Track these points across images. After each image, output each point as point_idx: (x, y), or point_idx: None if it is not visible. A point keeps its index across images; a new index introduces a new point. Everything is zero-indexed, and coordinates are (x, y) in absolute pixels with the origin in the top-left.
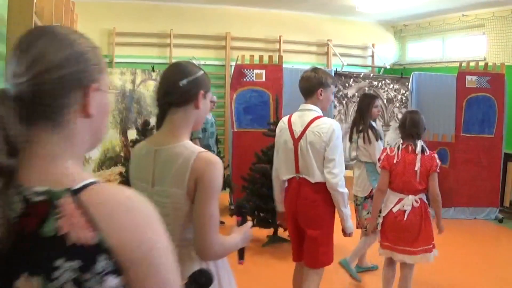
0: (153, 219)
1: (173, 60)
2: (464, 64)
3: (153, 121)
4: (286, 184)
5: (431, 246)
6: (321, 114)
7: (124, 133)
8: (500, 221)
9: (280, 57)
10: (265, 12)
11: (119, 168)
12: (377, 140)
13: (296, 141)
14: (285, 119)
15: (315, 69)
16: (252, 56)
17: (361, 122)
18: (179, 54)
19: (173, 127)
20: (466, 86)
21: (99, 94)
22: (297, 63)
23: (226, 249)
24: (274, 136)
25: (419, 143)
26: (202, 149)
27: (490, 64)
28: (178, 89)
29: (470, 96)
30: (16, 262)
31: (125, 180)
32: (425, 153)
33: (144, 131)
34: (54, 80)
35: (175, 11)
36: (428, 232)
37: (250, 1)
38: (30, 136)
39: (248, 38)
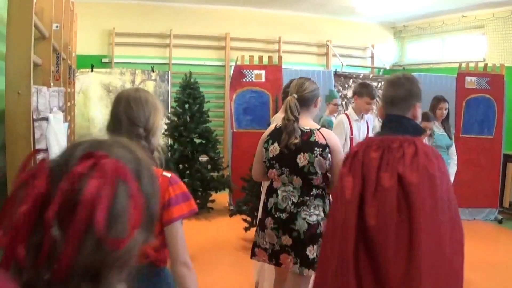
0: None
1: (173, 61)
2: (463, 65)
3: None
4: None
5: None
6: (347, 112)
7: None
8: (500, 222)
9: (280, 58)
10: (264, 12)
11: None
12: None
13: None
14: None
15: (362, 82)
16: (251, 57)
17: None
18: (179, 55)
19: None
20: (466, 87)
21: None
22: (297, 63)
23: None
24: None
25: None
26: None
27: (489, 65)
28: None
29: (470, 97)
30: (299, 149)
31: None
32: None
33: None
34: (308, 95)
35: (175, 12)
36: None
37: (249, 2)
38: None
39: (247, 39)
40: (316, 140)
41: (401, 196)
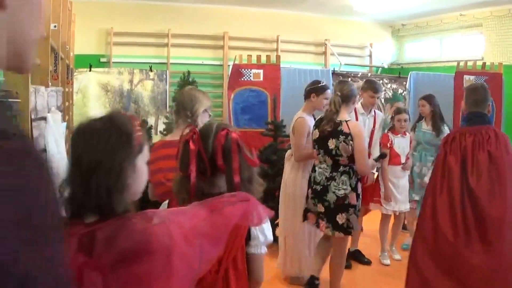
0: None
1: (171, 60)
2: (461, 63)
3: (151, 121)
4: None
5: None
6: (356, 106)
7: None
8: None
9: (278, 57)
10: (262, 11)
11: None
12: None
13: None
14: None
15: (367, 79)
16: (249, 56)
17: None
18: (177, 54)
19: None
20: (464, 85)
21: None
22: (295, 62)
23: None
24: (271, 136)
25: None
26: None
27: (487, 63)
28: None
29: None
30: (329, 135)
31: None
32: None
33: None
34: (348, 93)
35: (173, 11)
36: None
37: (247, 1)
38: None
39: (245, 38)
40: (342, 129)
41: (491, 166)
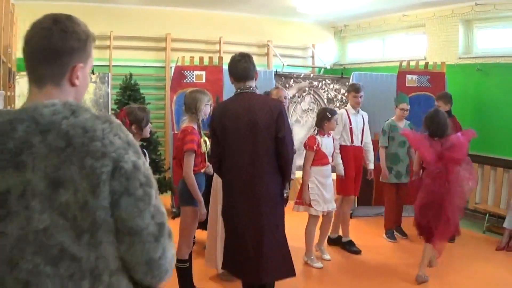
0: None
1: (113, 63)
2: (404, 63)
3: None
4: None
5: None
6: (346, 108)
7: None
8: None
9: (220, 58)
10: (205, 13)
11: None
12: None
13: None
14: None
15: (351, 83)
16: (192, 58)
17: None
18: (119, 56)
19: None
20: (407, 85)
21: None
22: None
23: None
24: None
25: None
26: None
27: (430, 63)
28: None
29: (411, 95)
30: None
31: None
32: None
33: None
34: None
35: (115, 13)
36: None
37: (190, 3)
38: None
39: (188, 40)
40: None
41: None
